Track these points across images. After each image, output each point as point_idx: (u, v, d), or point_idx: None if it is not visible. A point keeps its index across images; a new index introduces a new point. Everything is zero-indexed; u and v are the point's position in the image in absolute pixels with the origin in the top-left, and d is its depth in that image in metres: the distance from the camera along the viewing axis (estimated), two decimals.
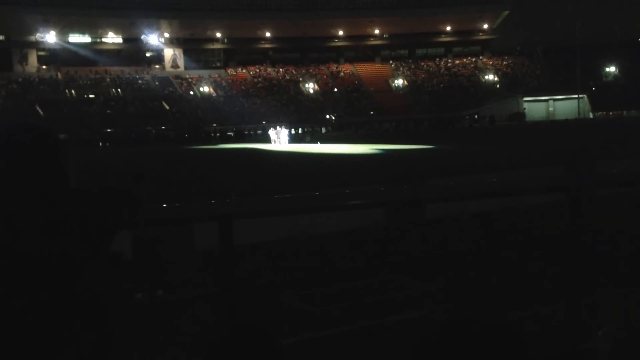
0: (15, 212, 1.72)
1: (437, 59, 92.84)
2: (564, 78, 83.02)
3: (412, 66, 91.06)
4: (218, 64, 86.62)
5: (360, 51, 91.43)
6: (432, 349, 1.27)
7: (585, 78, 78.11)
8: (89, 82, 76.00)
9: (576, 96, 78.42)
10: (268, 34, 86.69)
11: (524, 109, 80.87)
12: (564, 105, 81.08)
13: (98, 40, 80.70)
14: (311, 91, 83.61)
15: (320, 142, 48.15)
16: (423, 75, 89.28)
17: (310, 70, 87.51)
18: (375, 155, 33.51)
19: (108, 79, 77.72)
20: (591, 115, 77.85)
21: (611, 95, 78.01)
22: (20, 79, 73.65)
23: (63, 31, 76.28)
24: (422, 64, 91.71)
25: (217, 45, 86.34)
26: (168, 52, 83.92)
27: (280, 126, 52.99)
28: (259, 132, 64.52)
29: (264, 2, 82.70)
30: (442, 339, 1.27)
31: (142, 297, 8.98)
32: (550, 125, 63.46)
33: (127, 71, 79.88)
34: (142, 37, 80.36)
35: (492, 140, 40.64)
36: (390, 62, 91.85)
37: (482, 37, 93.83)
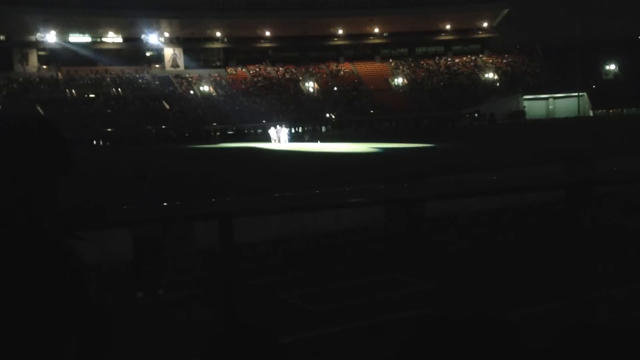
0: None
1: (437, 58, 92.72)
2: (563, 76, 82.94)
3: (412, 65, 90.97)
4: (218, 63, 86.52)
5: (360, 50, 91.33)
6: (431, 347, 1.27)
7: (585, 76, 78.04)
8: (89, 81, 75.98)
9: (576, 94, 78.36)
10: (268, 33, 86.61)
11: (524, 107, 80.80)
12: (564, 103, 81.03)
13: (98, 39, 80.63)
14: (311, 90, 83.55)
15: (320, 141, 48.12)
16: (423, 74, 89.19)
17: (310, 69, 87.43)
18: (375, 153, 33.49)
19: (108, 79, 77.69)
20: (591, 113, 77.78)
21: (611, 93, 77.92)
22: (20, 79, 73.61)
23: (63, 31, 76.23)
24: (422, 62, 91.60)
25: (217, 45, 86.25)
26: (168, 52, 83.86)
27: (280, 125, 52.95)
28: (259, 131, 64.44)
29: (263, 1, 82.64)
30: (440, 337, 1.27)
31: (143, 296, 9.00)
32: (551, 123, 63.43)
33: (127, 70, 79.82)
34: (142, 36, 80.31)
35: (492, 138, 40.59)
36: (390, 60, 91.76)
37: (481, 35, 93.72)
